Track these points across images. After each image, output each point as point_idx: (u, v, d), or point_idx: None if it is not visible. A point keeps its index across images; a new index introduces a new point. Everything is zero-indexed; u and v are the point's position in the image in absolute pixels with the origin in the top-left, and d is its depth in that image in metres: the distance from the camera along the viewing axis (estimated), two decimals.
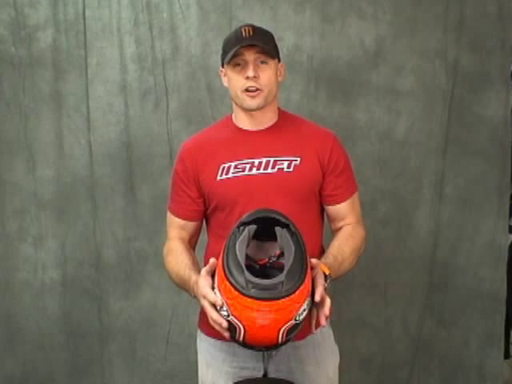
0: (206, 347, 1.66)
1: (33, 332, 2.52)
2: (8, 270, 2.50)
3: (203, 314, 1.40)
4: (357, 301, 2.48)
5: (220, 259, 1.28)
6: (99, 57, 2.39)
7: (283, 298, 1.20)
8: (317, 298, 1.28)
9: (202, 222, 1.69)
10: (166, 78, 2.39)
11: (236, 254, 1.23)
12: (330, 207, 1.63)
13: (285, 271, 1.21)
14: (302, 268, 1.23)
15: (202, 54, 2.38)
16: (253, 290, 1.19)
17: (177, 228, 1.66)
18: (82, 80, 2.40)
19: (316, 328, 1.37)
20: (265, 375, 1.43)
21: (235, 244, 1.25)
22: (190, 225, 1.66)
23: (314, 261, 1.35)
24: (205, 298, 1.32)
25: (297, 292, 1.21)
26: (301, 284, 1.22)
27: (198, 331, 1.70)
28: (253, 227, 1.29)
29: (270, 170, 1.55)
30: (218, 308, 1.28)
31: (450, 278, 2.49)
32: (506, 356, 2.71)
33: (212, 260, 1.35)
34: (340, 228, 1.63)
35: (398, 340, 2.52)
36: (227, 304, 1.25)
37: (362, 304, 2.49)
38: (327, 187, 1.61)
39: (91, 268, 2.49)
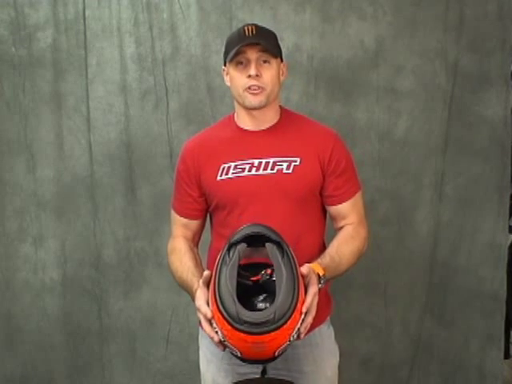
0: (206, 344, 1.66)
1: (33, 332, 2.52)
2: (8, 270, 2.50)
3: None
4: (356, 301, 2.48)
5: (212, 285, 1.27)
6: (99, 57, 2.39)
7: (276, 330, 1.19)
8: (303, 309, 1.27)
9: (205, 219, 1.70)
10: (165, 78, 2.39)
11: (227, 285, 1.22)
12: (331, 207, 1.63)
13: (276, 302, 1.20)
14: (293, 294, 1.22)
15: (202, 54, 2.38)
16: (245, 325, 1.18)
17: (180, 226, 1.68)
18: (82, 80, 2.40)
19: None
20: (263, 372, 1.43)
21: (226, 271, 1.24)
22: (193, 223, 1.67)
23: (305, 269, 1.34)
24: (199, 310, 1.34)
25: (288, 322, 1.21)
26: (293, 312, 1.21)
27: (200, 328, 1.70)
28: (243, 245, 1.28)
29: (269, 171, 1.55)
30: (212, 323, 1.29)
31: (450, 277, 2.49)
32: (506, 356, 2.71)
33: (206, 272, 1.38)
34: (341, 227, 1.63)
35: (398, 340, 2.52)
36: (222, 332, 1.25)
37: (361, 304, 2.49)
38: (328, 188, 1.60)
39: (91, 268, 2.49)
